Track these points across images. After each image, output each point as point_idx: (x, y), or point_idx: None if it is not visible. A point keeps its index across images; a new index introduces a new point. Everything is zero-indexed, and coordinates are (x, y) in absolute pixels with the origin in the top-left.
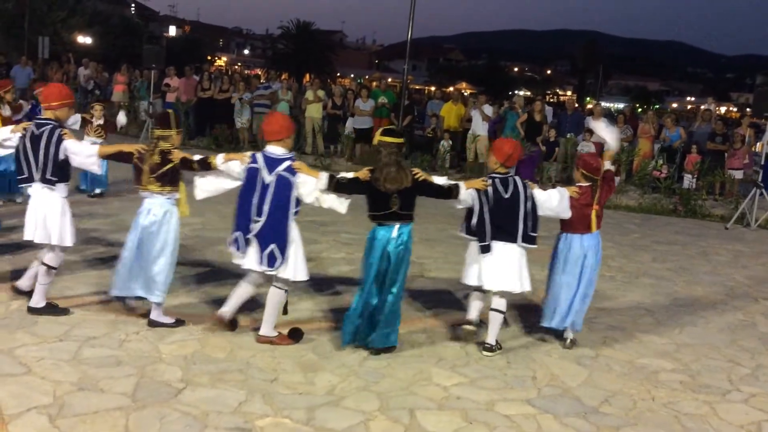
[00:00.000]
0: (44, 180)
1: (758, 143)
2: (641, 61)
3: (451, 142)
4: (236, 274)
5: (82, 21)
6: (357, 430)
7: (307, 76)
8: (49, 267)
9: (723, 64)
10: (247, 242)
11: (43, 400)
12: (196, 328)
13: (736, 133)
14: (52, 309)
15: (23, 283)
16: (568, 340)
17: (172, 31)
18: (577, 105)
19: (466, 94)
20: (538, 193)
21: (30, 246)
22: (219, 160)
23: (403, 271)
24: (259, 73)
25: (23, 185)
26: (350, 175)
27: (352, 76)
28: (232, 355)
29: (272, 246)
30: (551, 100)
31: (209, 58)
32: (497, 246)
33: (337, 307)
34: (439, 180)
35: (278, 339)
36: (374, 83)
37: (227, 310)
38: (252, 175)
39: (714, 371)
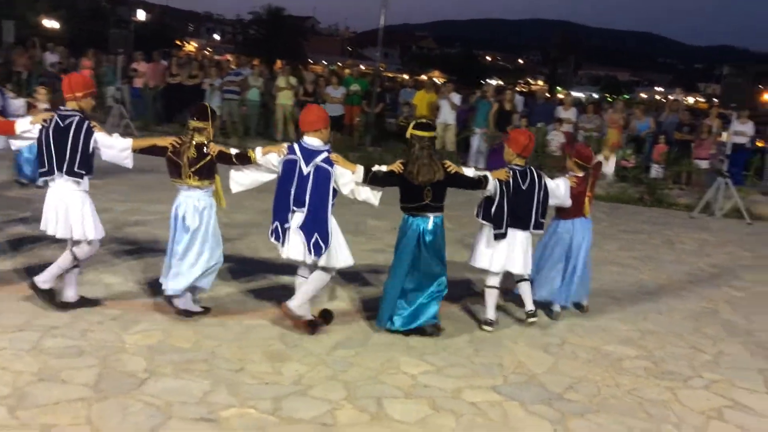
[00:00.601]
0: (71, 173)
1: (724, 133)
2: (612, 52)
3: None
4: (241, 266)
5: (48, 5)
6: (324, 419)
7: (279, 62)
8: (76, 259)
9: (692, 55)
10: (285, 232)
11: (2, 390)
12: (161, 317)
13: (703, 124)
14: (83, 302)
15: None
16: (554, 313)
17: (141, 15)
18: (548, 94)
19: (438, 82)
20: (549, 183)
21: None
22: (258, 153)
23: (443, 255)
24: (230, 59)
25: (44, 178)
26: (384, 168)
27: (325, 62)
28: (198, 344)
29: (316, 236)
30: (523, 89)
31: (178, 43)
32: (510, 232)
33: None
34: (469, 171)
35: (300, 322)
36: (347, 70)
37: (294, 303)
38: (290, 166)
39: (677, 358)
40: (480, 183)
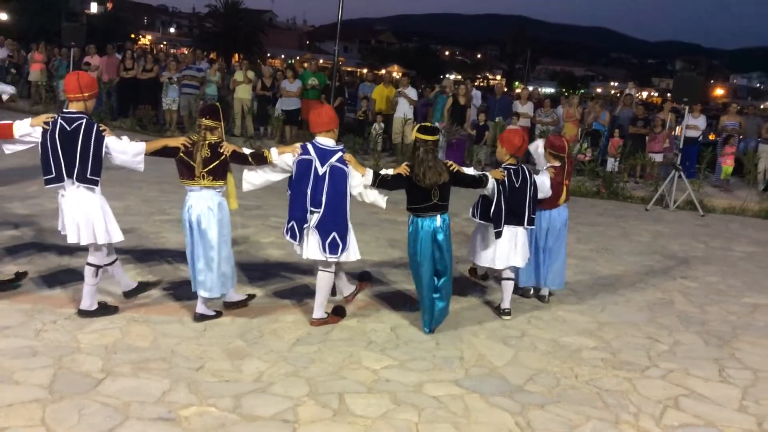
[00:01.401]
0: (83, 180)
1: (677, 127)
2: (568, 47)
3: (383, 125)
4: (160, 257)
5: None
6: (285, 416)
7: (236, 56)
8: (96, 267)
9: (646, 50)
10: (301, 232)
11: None
12: (118, 316)
13: (657, 118)
14: (105, 309)
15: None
16: (547, 297)
17: (94, 7)
18: (506, 89)
19: (397, 76)
20: (537, 179)
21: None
22: (274, 153)
23: (451, 253)
24: (186, 52)
25: (51, 186)
26: (392, 171)
27: (283, 56)
28: (156, 343)
29: (333, 234)
30: (481, 84)
31: (133, 36)
32: (508, 230)
33: (272, 290)
34: (469, 171)
35: (331, 319)
36: (305, 64)
37: (317, 312)
38: (305, 166)
39: (634, 348)
40: (482, 182)
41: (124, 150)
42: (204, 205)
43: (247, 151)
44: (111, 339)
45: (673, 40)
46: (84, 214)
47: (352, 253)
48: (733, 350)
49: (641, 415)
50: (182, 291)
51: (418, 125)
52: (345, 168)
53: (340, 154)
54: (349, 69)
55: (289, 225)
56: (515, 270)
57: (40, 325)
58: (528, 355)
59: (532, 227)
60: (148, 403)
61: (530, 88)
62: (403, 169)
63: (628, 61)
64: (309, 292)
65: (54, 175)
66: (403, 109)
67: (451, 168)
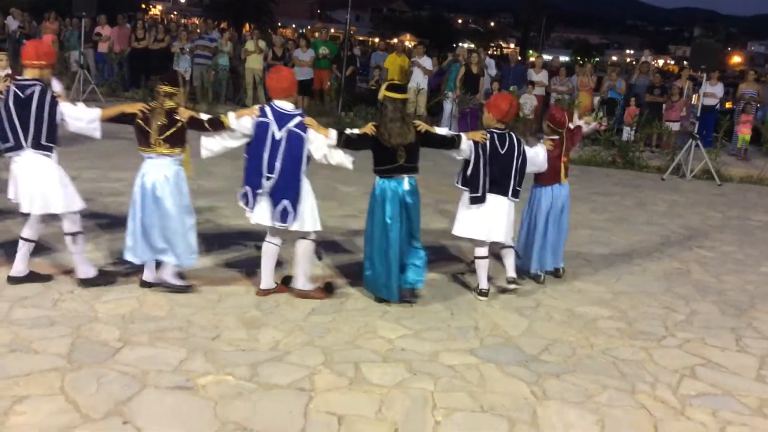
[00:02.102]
0: (38, 147)
1: (694, 96)
2: (583, 15)
3: None
4: (214, 232)
5: None
6: (301, 384)
7: (247, 25)
8: (73, 234)
9: (662, 17)
10: (256, 198)
11: None
12: (133, 286)
13: (674, 86)
14: (104, 276)
15: (18, 268)
16: (561, 270)
17: None
18: (519, 58)
19: (410, 45)
20: (529, 150)
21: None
22: (231, 118)
23: (419, 216)
24: (197, 22)
25: (10, 154)
26: (357, 131)
27: (294, 26)
28: (172, 313)
29: (285, 202)
30: (494, 52)
31: (143, 6)
32: (490, 198)
33: (287, 259)
34: (441, 131)
35: (315, 292)
36: (316, 33)
37: (264, 282)
38: (262, 130)
39: (650, 318)
40: (453, 142)
41: (79, 116)
42: (160, 173)
43: (204, 116)
44: (128, 309)
45: (689, 7)
46: (39, 182)
47: (307, 223)
48: (750, 319)
49: (658, 385)
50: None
51: (386, 83)
52: (302, 134)
53: (298, 118)
54: (360, 38)
55: (244, 191)
56: (502, 247)
57: (57, 295)
58: (543, 325)
59: (516, 200)
60: (166, 371)
61: (544, 57)
62: (369, 128)
63: (644, 29)
64: (321, 263)
65: (13, 143)
66: (417, 79)
67: (419, 128)
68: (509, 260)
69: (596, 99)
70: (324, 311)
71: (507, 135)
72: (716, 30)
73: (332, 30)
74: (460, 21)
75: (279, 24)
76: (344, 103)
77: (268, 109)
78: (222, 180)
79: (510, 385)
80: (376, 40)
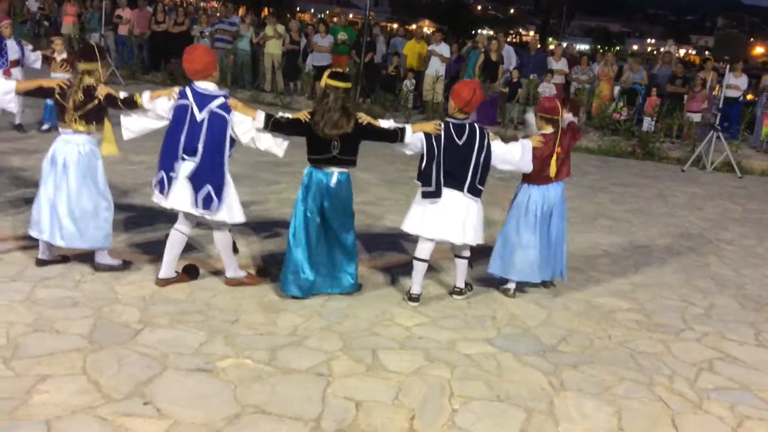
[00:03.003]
0: None
1: (717, 86)
2: (604, 2)
3: (414, 82)
4: (248, 219)
5: None
6: (320, 369)
7: (266, 10)
8: None
9: (684, 6)
10: (170, 182)
11: None
12: (154, 268)
13: (697, 77)
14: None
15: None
16: (511, 291)
17: None
18: (539, 45)
19: (428, 32)
20: (498, 146)
21: None
22: (145, 98)
23: (350, 214)
24: (216, 5)
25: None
26: (289, 115)
27: (312, 10)
28: (192, 296)
29: (208, 187)
30: (514, 40)
31: None
32: (445, 192)
33: None
34: (384, 123)
35: (248, 279)
36: (335, 18)
37: (164, 271)
38: (181, 112)
39: (668, 311)
40: (395, 135)
41: None
42: (74, 149)
43: (122, 95)
44: (148, 291)
45: None
46: None
47: (231, 213)
48: None
49: (675, 378)
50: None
51: (329, 71)
52: (226, 115)
53: (221, 99)
54: (379, 24)
55: (158, 177)
56: (456, 255)
57: (79, 276)
58: (561, 315)
59: (475, 198)
60: (186, 354)
61: (564, 45)
62: (303, 114)
63: (665, 18)
64: None
65: None
66: (435, 66)
67: (359, 121)
68: (460, 270)
69: (616, 89)
70: (342, 297)
71: (467, 125)
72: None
73: (351, 15)
74: (479, 7)
75: (298, 8)
76: (362, 89)
77: (188, 90)
78: (242, 166)
79: (527, 375)
80: (395, 25)
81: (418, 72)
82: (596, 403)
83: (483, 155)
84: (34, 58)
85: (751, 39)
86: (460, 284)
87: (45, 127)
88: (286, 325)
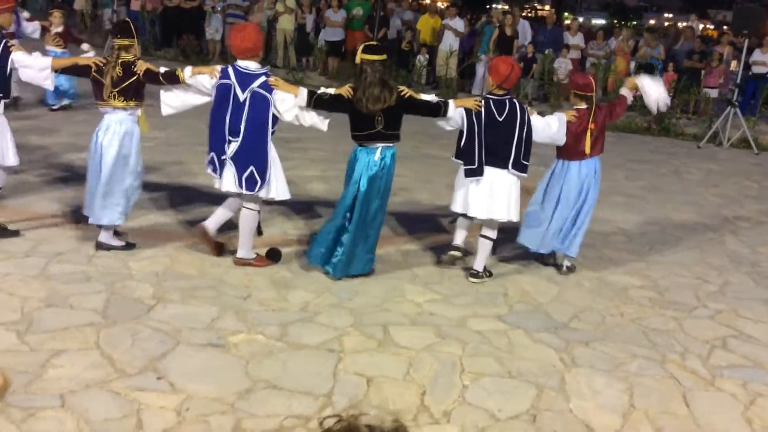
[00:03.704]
0: None
1: (733, 61)
2: None
3: (428, 57)
4: (204, 193)
5: None
6: (331, 345)
7: None
8: None
9: None
10: (222, 163)
11: (11, 316)
12: (167, 244)
13: (715, 51)
14: (2, 231)
15: None
16: (564, 267)
17: None
18: (555, 20)
19: (442, 6)
20: (537, 120)
21: None
22: (187, 73)
23: (388, 194)
24: None
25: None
26: (331, 91)
27: None
28: (204, 272)
29: (251, 168)
30: (529, 14)
31: None
32: (490, 172)
33: (313, 225)
34: (427, 97)
35: (256, 261)
36: None
37: (210, 223)
38: (224, 91)
39: (682, 288)
40: (438, 109)
41: (30, 64)
42: (114, 128)
43: (162, 69)
44: (161, 266)
45: None
46: None
47: (276, 191)
48: None
49: (688, 355)
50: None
51: (363, 45)
52: (268, 95)
53: (263, 78)
54: None
55: (209, 157)
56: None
57: (92, 252)
58: (573, 292)
59: (521, 174)
60: (198, 329)
61: (580, 19)
62: (346, 90)
63: None
64: None
65: None
66: (449, 41)
67: (401, 93)
68: (484, 249)
69: (632, 64)
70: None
71: (507, 102)
72: None
73: None
74: None
75: None
76: None
77: (230, 69)
78: None
79: (538, 351)
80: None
81: (432, 47)
82: (608, 380)
83: (525, 130)
84: (32, 29)
85: None
86: (479, 267)
87: (55, 106)
88: (297, 301)
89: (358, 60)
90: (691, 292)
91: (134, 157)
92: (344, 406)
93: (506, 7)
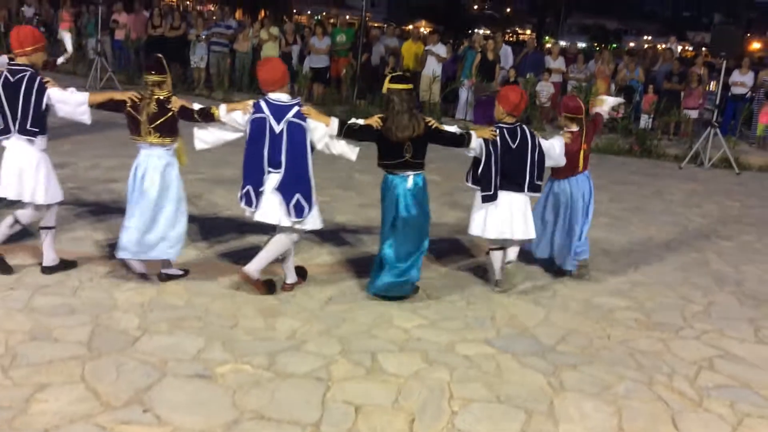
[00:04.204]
0: (23, 131)
1: (712, 82)
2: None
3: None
4: (232, 221)
5: None
6: (319, 373)
7: (262, 12)
8: (16, 222)
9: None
10: (258, 196)
11: None
12: (151, 275)
13: (693, 72)
14: (65, 264)
15: (50, 257)
16: (576, 271)
17: None
18: (536, 45)
19: (425, 32)
20: (543, 143)
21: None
22: (222, 111)
23: (428, 217)
24: (212, 9)
25: (1, 137)
26: (361, 121)
27: (309, 12)
28: (190, 301)
29: (297, 196)
30: (510, 38)
31: None
32: (503, 196)
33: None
34: (451, 128)
35: (256, 284)
36: (332, 20)
37: (253, 267)
38: (259, 125)
39: (668, 309)
40: (463, 140)
41: (65, 100)
42: (152, 163)
43: (195, 106)
44: (147, 297)
45: None
46: (19, 168)
47: (315, 221)
48: None
49: (675, 376)
50: (214, 251)
51: (390, 75)
52: (303, 123)
53: (296, 108)
54: (376, 24)
55: (245, 190)
56: (494, 248)
57: (77, 283)
58: (560, 315)
59: (536, 194)
60: (185, 360)
61: (561, 43)
62: (375, 121)
63: (662, 14)
64: (338, 252)
65: (2, 126)
66: (432, 66)
67: (429, 123)
68: (497, 260)
69: (613, 86)
70: (340, 301)
71: (518, 128)
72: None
73: (347, 17)
74: (475, 7)
75: (294, 11)
76: (360, 91)
77: (263, 103)
78: (240, 169)
79: (527, 375)
80: (393, 26)
81: (415, 72)
82: (596, 403)
83: (537, 153)
84: (1, 63)
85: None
86: (501, 276)
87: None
88: (285, 330)
89: (384, 90)
90: (677, 313)
91: (176, 191)
92: None
93: (488, 31)
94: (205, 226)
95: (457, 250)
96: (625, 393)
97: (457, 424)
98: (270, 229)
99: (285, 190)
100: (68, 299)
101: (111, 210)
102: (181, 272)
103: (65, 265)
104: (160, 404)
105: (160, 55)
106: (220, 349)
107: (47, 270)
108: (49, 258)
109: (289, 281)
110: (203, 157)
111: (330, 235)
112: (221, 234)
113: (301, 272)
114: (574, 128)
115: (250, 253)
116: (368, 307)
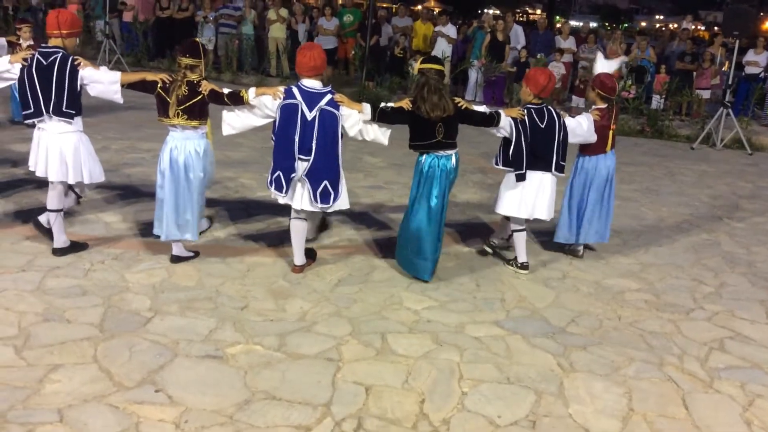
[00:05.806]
0: (59, 113)
1: (726, 62)
2: None
3: None
4: (242, 203)
5: None
6: (329, 354)
7: None
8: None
9: None
10: (289, 181)
11: (8, 331)
12: (163, 256)
13: (707, 52)
14: (75, 246)
15: (60, 239)
16: (581, 252)
17: None
18: (547, 24)
19: (435, 12)
20: (570, 121)
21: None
22: (251, 94)
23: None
24: None
25: (30, 120)
26: (392, 104)
27: None
28: (201, 283)
29: (325, 182)
30: (520, 18)
31: None
32: (532, 176)
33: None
34: (480, 108)
35: (308, 264)
36: (340, 1)
37: (298, 259)
38: (290, 111)
39: (678, 290)
40: (492, 119)
41: (99, 79)
42: (191, 148)
43: (225, 90)
44: (158, 278)
45: None
46: (59, 149)
47: (343, 202)
48: None
49: (686, 357)
50: (225, 232)
51: (421, 58)
52: (336, 111)
53: (329, 96)
54: (384, 5)
55: (275, 175)
56: (514, 230)
57: (88, 265)
58: (570, 296)
59: (562, 174)
60: (196, 341)
61: (572, 23)
62: (406, 103)
63: None
64: (348, 234)
65: (32, 109)
66: (442, 47)
67: (458, 104)
68: (521, 244)
69: (624, 67)
70: (350, 282)
71: (545, 109)
72: None
73: None
74: None
75: None
76: (368, 72)
77: (295, 89)
78: (249, 151)
79: (536, 356)
80: (405, 5)
81: (425, 53)
82: (606, 384)
83: (563, 133)
84: (0, 45)
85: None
86: (524, 258)
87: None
88: (295, 311)
89: (415, 71)
90: (688, 294)
91: (201, 173)
92: (344, 415)
93: (498, 12)
94: (214, 208)
95: (468, 231)
96: (635, 374)
97: (467, 404)
98: (279, 210)
99: (313, 176)
100: (80, 281)
101: (121, 192)
102: (191, 254)
103: (76, 247)
104: (172, 384)
105: (197, 39)
106: (231, 330)
107: (58, 252)
108: (60, 240)
109: (298, 263)
110: (213, 139)
111: (339, 217)
112: (231, 216)
113: (311, 254)
114: (603, 106)
115: (261, 234)
116: (378, 288)
